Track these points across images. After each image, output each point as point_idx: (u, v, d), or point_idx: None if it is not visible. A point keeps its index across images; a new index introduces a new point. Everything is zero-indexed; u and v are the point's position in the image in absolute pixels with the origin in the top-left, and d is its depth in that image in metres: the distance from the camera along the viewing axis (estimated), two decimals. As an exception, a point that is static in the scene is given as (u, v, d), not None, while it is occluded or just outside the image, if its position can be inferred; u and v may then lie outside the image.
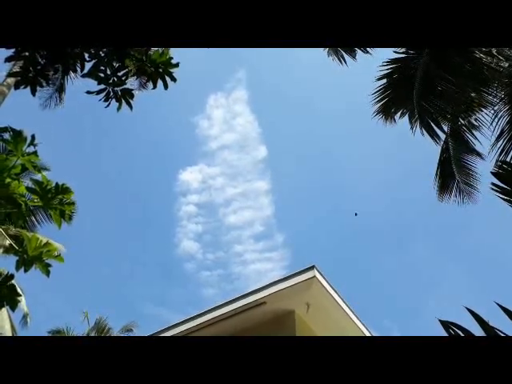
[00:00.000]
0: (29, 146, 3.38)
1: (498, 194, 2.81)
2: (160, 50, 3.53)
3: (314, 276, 6.83)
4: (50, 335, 15.44)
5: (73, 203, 3.46)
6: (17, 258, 3.26)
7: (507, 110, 6.89)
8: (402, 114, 7.33)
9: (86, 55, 3.57)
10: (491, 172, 2.72)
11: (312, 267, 6.91)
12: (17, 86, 3.54)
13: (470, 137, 7.34)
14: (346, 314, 7.40)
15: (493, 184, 2.78)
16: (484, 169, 7.44)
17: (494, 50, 6.49)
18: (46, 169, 11.96)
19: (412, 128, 7.19)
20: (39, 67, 3.53)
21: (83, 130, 19.58)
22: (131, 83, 3.67)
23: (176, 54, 3.60)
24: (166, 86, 3.61)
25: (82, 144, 20.93)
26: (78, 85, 3.71)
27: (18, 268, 3.24)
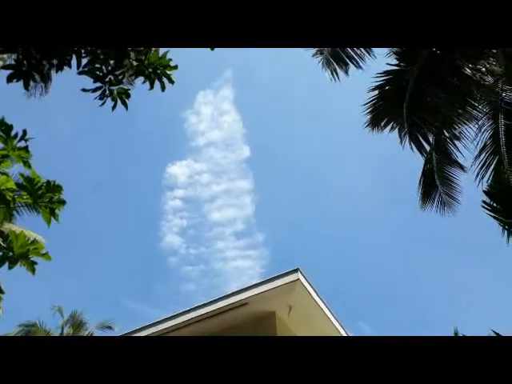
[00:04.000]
0: (20, 140, 3.30)
1: (487, 211, 2.91)
2: (160, 50, 3.50)
3: (298, 279, 6.87)
4: (22, 328, 15.08)
5: (63, 202, 3.40)
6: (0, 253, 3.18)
7: (491, 124, 7.09)
8: (392, 128, 7.45)
9: (83, 51, 3.50)
10: (483, 190, 2.82)
11: (296, 270, 6.95)
12: (9, 80, 3.45)
13: (453, 149, 7.53)
14: (327, 317, 7.48)
15: (483, 202, 2.88)
16: (466, 181, 7.64)
17: (481, 68, 6.67)
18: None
19: (401, 142, 7.33)
20: (34, 61, 3.45)
21: (70, 122, 19.20)
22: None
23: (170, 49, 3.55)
24: (163, 88, 3.58)
25: (69, 137, 20.52)
26: (66, 76, 3.64)
27: (1, 264, 3.17)
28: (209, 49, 3.04)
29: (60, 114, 17.42)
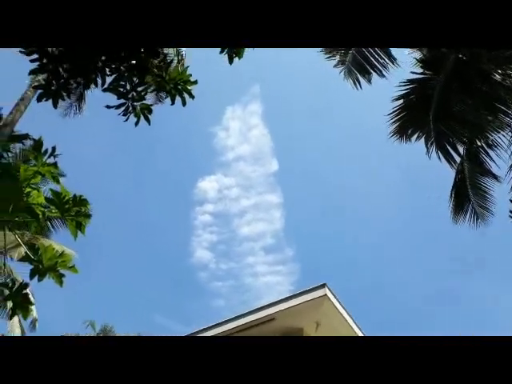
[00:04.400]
0: (49, 156, 3.44)
1: (515, 221, 2.77)
2: (179, 67, 3.59)
3: (325, 294, 6.76)
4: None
5: (89, 215, 3.49)
6: (31, 265, 3.28)
7: (525, 132, 6.79)
8: (418, 137, 7.27)
9: (107, 70, 3.65)
10: (510, 200, 2.69)
11: (323, 285, 6.84)
12: (39, 99, 3.62)
13: (486, 158, 7.25)
14: (355, 334, 7.28)
15: (511, 211, 2.74)
16: (501, 192, 7.32)
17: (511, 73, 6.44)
18: (60, 175, 12.14)
19: (428, 151, 7.13)
20: (62, 80, 3.61)
21: (101, 139, 19.91)
22: (147, 96, 3.73)
23: (195, 66, 3.64)
24: (184, 103, 3.66)
25: (101, 154, 21.26)
26: (96, 92, 3.79)
27: (32, 277, 3.26)
28: (231, 62, 3.09)
29: (91, 133, 18.13)
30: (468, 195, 7.33)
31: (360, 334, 7.36)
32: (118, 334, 16.45)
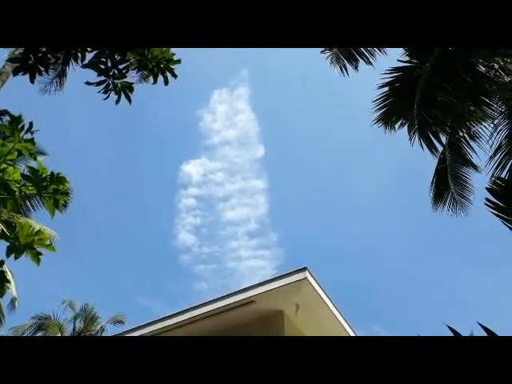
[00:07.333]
0: (26, 132, 3.35)
1: (490, 209, 2.83)
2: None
3: (306, 278, 6.84)
4: (36, 321, 15.40)
5: (67, 193, 3.43)
6: (7, 243, 3.23)
7: (507, 124, 6.90)
8: (402, 125, 7.32)
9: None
10: (486, 188, 2.74)
11: (304, 269, 6.91)
12: (16, 73, 3.51)
13: (467, 149, 7.36)
14: (335, 317, 7.42)
15: (487, 199, 2.80)
16: (480, 181, 7.46)
17: (495, 65, 6.51)
18: (42, 153, 11.88)
19: (410, 139, 7.20)
20: (40, 55, 3.50)
21: (85, 119, 19.52)
22: (132, 75, 3.65)
23: (183, 48, 3.56)
24: (166, 82, 3.59)
25: (85, 135, 20.89)
26: (79, 72, 3.68)
27: (8, 254, 3.21)
28: (222, 48, 3.04)
29: (75, 112, 17.76)
30: (448, 184, 7.46)
31: (340, 318, 7.50)
32: (99, 316, 16.44)
